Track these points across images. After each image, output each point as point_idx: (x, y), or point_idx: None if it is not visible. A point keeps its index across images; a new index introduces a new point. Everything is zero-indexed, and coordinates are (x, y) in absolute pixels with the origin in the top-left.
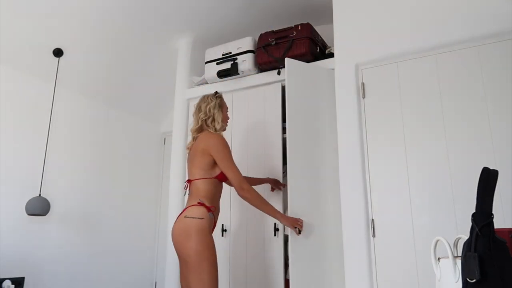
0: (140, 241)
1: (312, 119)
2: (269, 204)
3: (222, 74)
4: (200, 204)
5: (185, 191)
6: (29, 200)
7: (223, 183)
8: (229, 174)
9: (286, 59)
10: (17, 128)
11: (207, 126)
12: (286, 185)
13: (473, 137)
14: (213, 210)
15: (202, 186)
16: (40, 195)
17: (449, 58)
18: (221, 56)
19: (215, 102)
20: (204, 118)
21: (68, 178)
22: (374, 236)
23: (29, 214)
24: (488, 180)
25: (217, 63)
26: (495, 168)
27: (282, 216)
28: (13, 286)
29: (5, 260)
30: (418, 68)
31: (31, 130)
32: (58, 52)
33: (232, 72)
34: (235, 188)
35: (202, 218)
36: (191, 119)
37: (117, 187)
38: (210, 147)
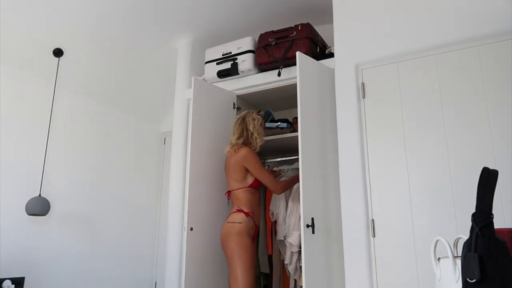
0: (140, 241)
1: (318, 117)
2: (289, 183)
3: (222, 74)
4: (239, 210)
5: (228, 201)
6: (29, 200)
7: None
8: (263, 180)
9: (298, 53)
10: (17, 128)
11: (249, 139)
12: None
13: (473, 137)
14: (251, 215)
15: (240, 195)
16: (40, 195)
17: (449, 58)
18: (221, 56)
19: (261, 122)
20: (252, 133)
21: (68, 178)
22: (374, 236)
23: (29, 214)
24: (488, 180)
25: (217, 63)
26: (495, 168)
27: (293, 179)
28: (13, 286)
29: (5, 260)
30: (418, 68)
31: (31, 130)
32: (58, 52)
33: (232, 72)
34: (271, 190)
35: (241, 223)
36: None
37: (117, 187)
38: (242, 160)
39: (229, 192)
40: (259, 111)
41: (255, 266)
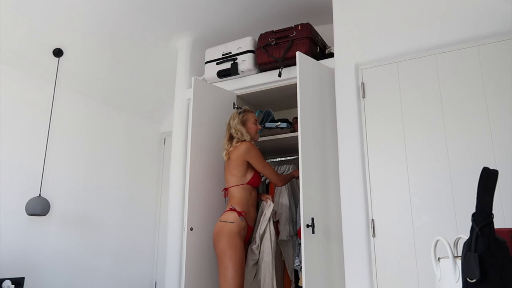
0: (140, 241)
1: (319, 117)
2: (288, 177)
3: (222, 74)
4: (232, 209)
5: (225, 198)
6: (29, 200)
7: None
8: (266, 173)
9: (298, 53)
10: (17, 128)
11: (237, 138)
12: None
13: (473, 136)
14: (243, 215)
15: (236, 192)
16: (40, 195)
17: (449, 58)
18: (221, 56)
19: (239, 119)
20: (234, 132)
21: (68, 178)
22: (374, 236)
23: (29, 214)
24: (488, 180)
25: (217, 63)
26: (495, 168)
27: (291, 174)
28: (13, 286)
29: (5, 260)
30: (418, 68)
31: (31, 130)
32: (58, 52)
33: (232, 72)
34: (273, 182)
35: (233, 222)
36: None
37: (117, 187)
38: (244, 154)
39: (226, 189)
40: (238, 107)
41: (244, 268)
